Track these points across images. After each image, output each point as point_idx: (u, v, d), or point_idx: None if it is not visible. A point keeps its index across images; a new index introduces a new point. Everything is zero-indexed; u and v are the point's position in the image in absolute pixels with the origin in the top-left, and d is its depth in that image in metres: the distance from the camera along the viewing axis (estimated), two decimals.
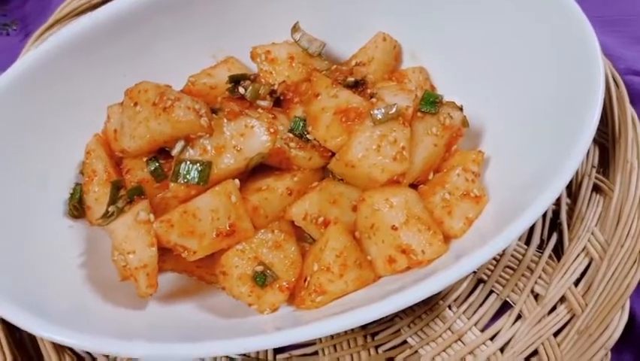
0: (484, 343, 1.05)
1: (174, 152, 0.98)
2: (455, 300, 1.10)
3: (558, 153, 0.93)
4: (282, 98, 1.11)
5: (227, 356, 1.06)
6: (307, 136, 1.04)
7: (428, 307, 1.09)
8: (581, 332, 1.03)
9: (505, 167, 1.06)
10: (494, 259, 1.12)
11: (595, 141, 1.22)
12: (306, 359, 1.06)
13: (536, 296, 1.09)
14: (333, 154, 1.03)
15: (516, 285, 1.09)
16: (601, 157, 1.22)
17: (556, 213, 1.16)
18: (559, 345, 1.03)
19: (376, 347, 1.07)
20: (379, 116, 0.97)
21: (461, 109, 1.08)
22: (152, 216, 0.95)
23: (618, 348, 1.03)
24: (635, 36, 1.43)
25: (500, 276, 1.11)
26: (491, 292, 1.10)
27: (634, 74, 1.32)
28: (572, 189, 1.19)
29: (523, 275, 1.10)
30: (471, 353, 1.05)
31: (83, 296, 0.99)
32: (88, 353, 1.07)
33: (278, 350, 1.07)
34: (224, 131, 0.98)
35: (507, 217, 0.91)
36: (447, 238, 0.99)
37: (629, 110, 1.20)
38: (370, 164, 0.97)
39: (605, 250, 1.09)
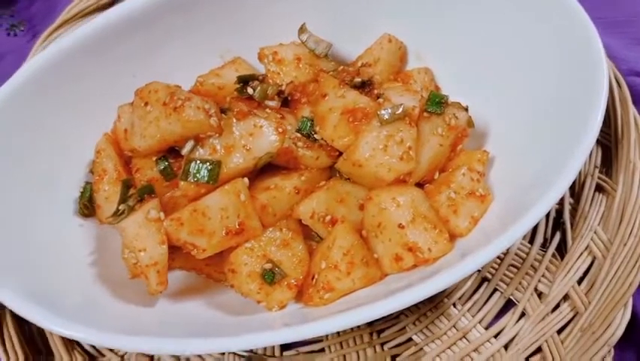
0: (488, 340, 1.07)
1: (184, 151, 0.99)
2: (460, 298, 1.11)
3: (562, 153, 0.94)
4: (289, 98, 1.12)
5: (235, 354, 1.07)
6: (315, 136, 1.05)
7: (433, 305, 1.10)
8: (584, 330, 1.04)
9: (510, 167, 1.07)
10: (498, 257, 1.13)
11: (598, 141, 1.23)
12: (312, 356, 1.07)
13: (540, 294, 1.10)
14: (340, 154, 1.04)
15: (520, 283, 1.11)
16: (604, 157, 1.23)
17: (559, 212, 1.18)
18: (562, 342, 1.05)
19: (382, 345, 1.08)
20: (386, 117, 0.99)
21: (466, 109, 1.09)
22: (162, 215, 0.96)
23: (621, 346, 1.04)
24: (637, 37, 1.44)
25: (504, 274, 1.12)
26: (495, 290, 1.12)
27: (636, 75, 1.33)
28: (575, 189, 1.20)
29: (526, 274, 1.12)
30: (475, 350, 1.06)
31: (94, 293, 1.00)
32: (97, 350, 1.09)
33: (285, 347, 1.08)
34: (233, 130, 0.99)
35: (511, 216, 0.92)
36: (452, 237, 1.01)
37: (632, 111, 1.22)
38: (377, 163, 0.99)
39: (607, 249, 1.11)
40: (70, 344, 1.08)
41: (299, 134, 1.05)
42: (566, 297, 1.09)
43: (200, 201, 0.97)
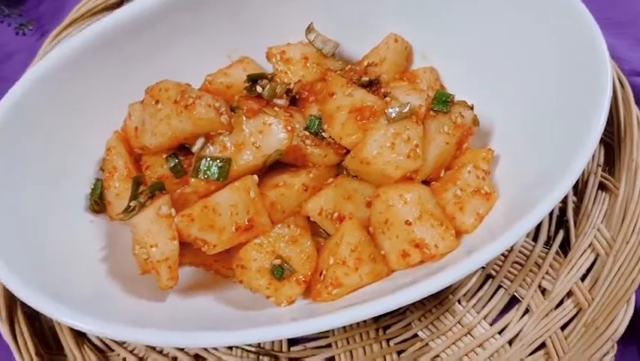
0: (492, 336, 1.08)
1: (195, 148, 1.01)
2: (465, 295, 1.12)
3: (566, 152, 0.95)
4: (297, 97, 1.13)
5: (243, 349, 1.09)
6: (323, 134, 1.06)
7: (438, 302, 1.12)
8: (588, 326, 1.06)
9: (515, 165, 1.09)
10: (502, 254, 1.14)
11: (601, 140, 1.23)
12: (319, 351, 1.09)
13: (544, 291, 1.11)
14: (348, 151, 1.06)
15: (524, 280, 1.12)
16: (607, 156, 1.24)
17: (562, 210, 1.19)
18: (566, 338, 1.06)
19: (388, 340, 1.09)
20: (393, 115, 1.00)
21: (472, 108, 1.10)
22: (173, 211, 0.97)
23: (624, 342, 1.05)
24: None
25: (509, 271, 1.13)
26: (500, 287, 1.13)
27: (639, 75, 1.34)
28: (579, 187, 1.21)
29: (530, 271, 1.13)
30: (480, 346, 1.08)
31: (104, 288, 1.01)
32: (107, 345, 1.10)
33: (292, 342, 1.10)
34: (243, 128, 1.01)
35: (516, 214, 0.94)
36: (458, 234, 1.02)
37: (635, 110, 1.23)
38: (385, 161, 1.00)
39: (610, 246, 1.12)
40: (81, 339, 1.09)
41: (307, 133, 1.06)
42: (569, 294, 1.10)
43: (210, 197, 0.98)
